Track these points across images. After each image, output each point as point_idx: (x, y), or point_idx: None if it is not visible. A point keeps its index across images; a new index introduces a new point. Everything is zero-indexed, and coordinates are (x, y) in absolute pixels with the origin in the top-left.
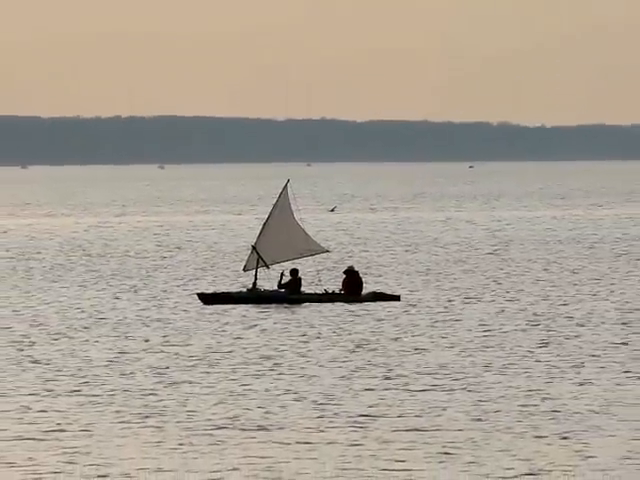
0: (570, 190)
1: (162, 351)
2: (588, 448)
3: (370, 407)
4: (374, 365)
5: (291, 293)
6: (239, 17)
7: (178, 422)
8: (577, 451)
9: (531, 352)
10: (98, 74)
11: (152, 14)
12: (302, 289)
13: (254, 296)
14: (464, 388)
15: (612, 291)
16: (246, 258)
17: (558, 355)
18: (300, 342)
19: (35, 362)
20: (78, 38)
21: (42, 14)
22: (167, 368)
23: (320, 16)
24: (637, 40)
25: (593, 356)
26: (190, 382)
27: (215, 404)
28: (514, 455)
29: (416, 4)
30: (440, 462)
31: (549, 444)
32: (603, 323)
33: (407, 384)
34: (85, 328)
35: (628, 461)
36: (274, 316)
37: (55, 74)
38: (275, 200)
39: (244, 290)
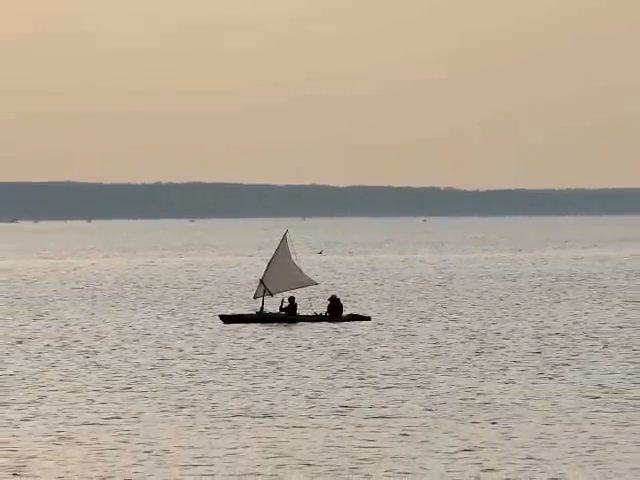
0: (498, 238)
1: (193, 358)
2: (511, 431)
3: (348, 400)
4: (351, 369)
5: (289, 315)
6: (251, 98)
7: (205, 411)
8: (503, 433)
9: (469, 359)
10: (142, 150)
11: (183, 99)
12: (297, 312)
13: (262, 317)
14: (418, 386)
15: (529, 313)
16: (255, 289)
17: (489, 361)
18: (296, 351)
19: (98, 366)
20: (125, 119)
21: (87, 96)
22: (196, 371)
23: (309, 100)
24: (548, 120)
25: (515, 362)
26: (214, 381)
27: (233, 398)
28: (456, 436)
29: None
30: (400, 441)
31: (482, 428)
32: (522, 337)
33: (376, 383)
34: (135, 341)
35: (541, 440)
36: (276, 332)
37: (109, 151)
38: (277, 245)
39: (254, 312)
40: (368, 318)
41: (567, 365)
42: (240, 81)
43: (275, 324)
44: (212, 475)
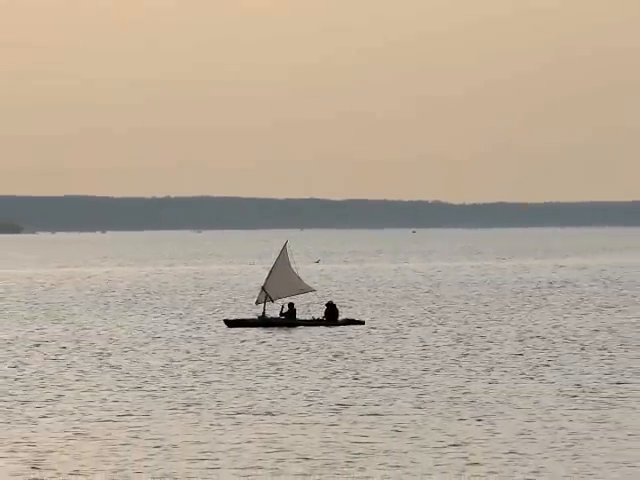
0: (483, 247)
1: (199, 359)
2: (495, 427)
3: (344, 398)
4: (346, 369)
5: (289, 319)
6: (255, 119)
7: (210, 409)
8: (487, 429)
9: (456, 360)
10: (153, 167)
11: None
12: (297, 317)
13: (263, 322)
14: (409, 385)
15: (512, 318)
16: (257, 295)
17: (474, 362)
18: (295, 353)
19: (111, 367)
20: (136, 138)
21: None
22: (203, 371)
23: (310, 118)
24: (532, 137)
25: (499, 363)
26: (219, 381)
27: (236, 396)
28: (444, 432)
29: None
30: (392, 437)
31: (468, 424)
32: (505, 340)
33: (369, 382)
34: (145, 343)
35: (523, 436)
36: (277, 335)
37: (122, 167)
38: (277, 254)
39: (256, 317)
40: (362, 322)
41: (547, 366)
42: (241, 100)
43: (276, 328)
44: (217, 468)
